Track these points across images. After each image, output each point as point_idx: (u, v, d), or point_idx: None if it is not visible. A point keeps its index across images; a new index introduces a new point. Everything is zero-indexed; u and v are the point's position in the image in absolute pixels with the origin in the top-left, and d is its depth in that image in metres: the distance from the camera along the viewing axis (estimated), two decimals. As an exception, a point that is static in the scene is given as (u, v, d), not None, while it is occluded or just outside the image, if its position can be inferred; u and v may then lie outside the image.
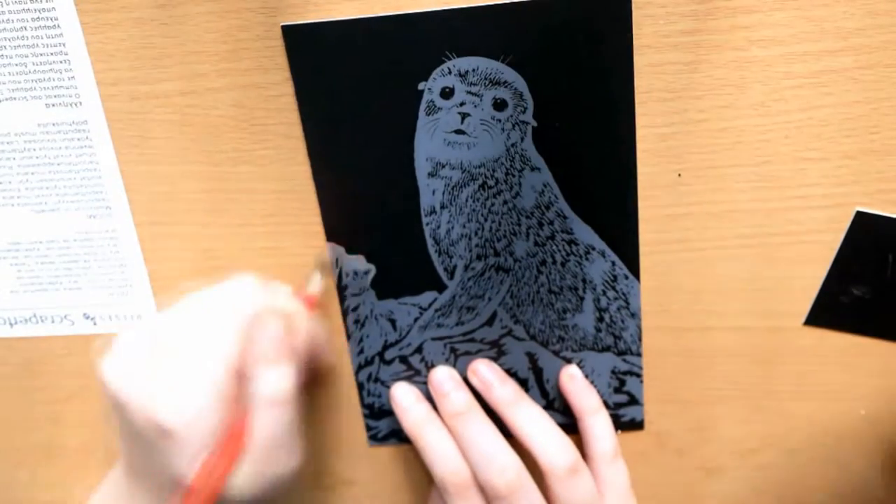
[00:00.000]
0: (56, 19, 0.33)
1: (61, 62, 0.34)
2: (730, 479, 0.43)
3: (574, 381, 0.39)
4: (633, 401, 0.40)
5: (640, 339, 0.39)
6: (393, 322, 0.39)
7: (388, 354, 0.40)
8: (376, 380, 0.41)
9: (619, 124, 0.34)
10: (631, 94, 0.33)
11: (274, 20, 0.33)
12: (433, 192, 0.36)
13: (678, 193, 0.36)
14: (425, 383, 0.40)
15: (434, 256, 0.38)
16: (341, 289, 0.39)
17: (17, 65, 0.35)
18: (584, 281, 0.38)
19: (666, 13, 0.32)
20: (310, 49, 0.34)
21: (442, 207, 0.37)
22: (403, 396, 0.39)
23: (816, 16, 0.32)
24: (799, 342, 0.39)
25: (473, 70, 0.34)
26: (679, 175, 0.35)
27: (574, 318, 0.38)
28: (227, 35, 0.34)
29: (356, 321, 0.39)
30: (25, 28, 0.34)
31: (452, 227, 0.37)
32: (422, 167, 0.36)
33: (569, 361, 0.39)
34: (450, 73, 0.34)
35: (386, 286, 0.38)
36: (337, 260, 0.38)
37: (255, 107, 0.35)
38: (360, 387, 0.41)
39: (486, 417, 0.37)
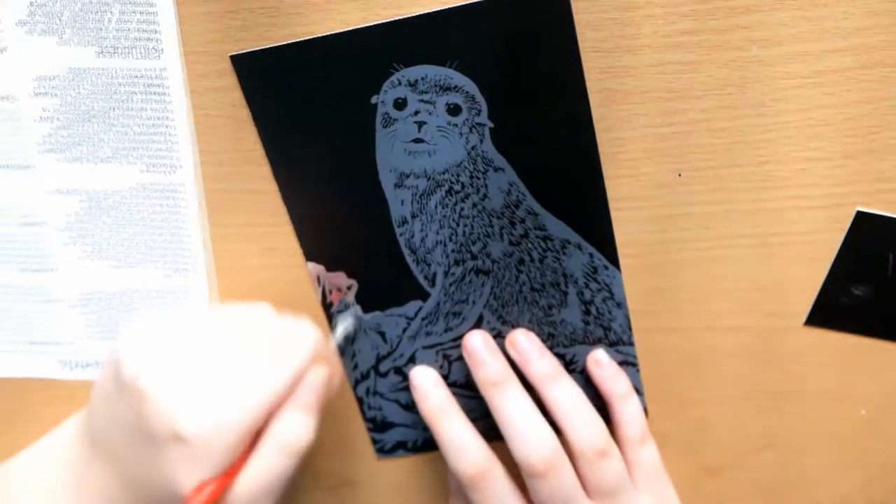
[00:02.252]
0: (166, 90, 0.35)
1: (165, 129, 0.36)
2: (730, 479, 0.43)
3: (601, 367, 0.39)
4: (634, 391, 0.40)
5: (630, 329, 0.39)
6: (382, 334, 0.39)
7: (383, 367, 0.40)
8: (375, 393, 0.41)
9: (573, 115, 0.34)
10: (581, 84, 0.33)
11: (273, 20, 0.33)
12: (402, 203, 0.36)
13: (678, 193, 0.36)
14: None
15: (413, 266, 0.38)
16: (326, 307, 0.39)
17: (120, 129, 0.36)
18: (564, 275, 0.38)
19: (666, 13, 0.32)
20: (262, 76, 0.34)
21: (413, 217, 0.37)
22: (423, 380, 0.38)
23: (816, 16, 0.32)
24: (799, 342, 0.39)
25: (423, 78, 0.34)
26: (679, 175, 0.35)
27: (560, 313, 0.38)
28: (227, 35, 0.34)
29: (346, 337, 0.39)
30: (134, 97, 0.35)
31: (426, 235, 0.37)
32: (387, 179, 0.36)
33: (561, 357, 0.39)
34: (400, 83, 0.34)
35: (370, 300, 0.39)
36: (319, 278, 0.38)
37: (254, 107, 0.35)
38: (360, 401, 0.41)
39: (523, 390, 0.36)
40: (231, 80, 0.35)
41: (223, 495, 0.31)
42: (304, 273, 0.38)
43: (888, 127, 0.34)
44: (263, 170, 0.36)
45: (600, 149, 0.35)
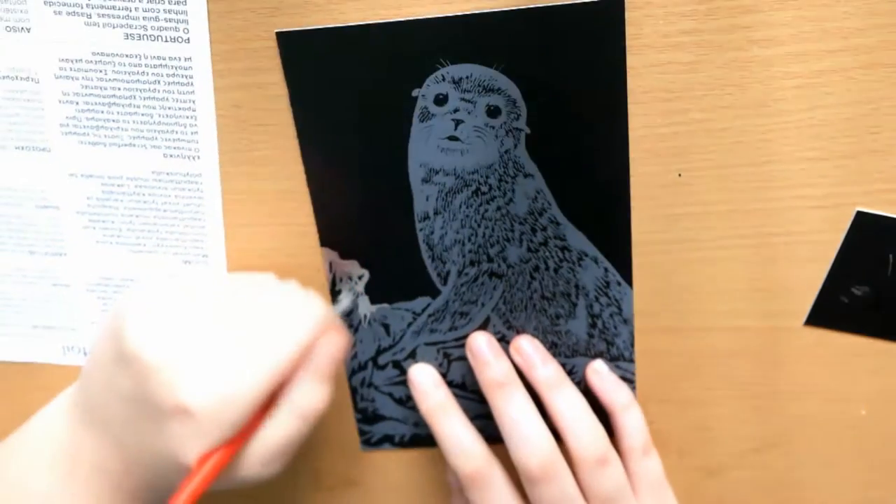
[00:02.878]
0: (191, 77, 0.34)
1: (188, 116, 0.35)
2: (730, 479, 0.43)
3: (601, 377, 0.39)
4: None
5: (632, 346, 0.39)
6: (386, 327, 0.39)
7: (382, 359, 0.40)
8: (370, 385, 0.41)
9: (611, 132, 0.34)
10: (624, 102, 0.33)
11: (273, 20, 0.33)
12: (427, 198, 0.36)
13: (678, 193, 0.36)
14: None
15: (427, 262, 0.38)
16: (335, 294, 0.39)
17: (143, 115, 0.35)
18: (576, 287, 0.38)
19: (666, 13, 0.32)
20: (304, 56, 0.34)
21: (435, 213, 0.37)
22: (422, 379, 0.38)
23: (816, 16, 0.32)
24: (799, 342, 0.39)
25: (467, 77, 0.34)
26: (679, 175, 0.35)
27: (567, 323, 0.38)
28: (226, 35, 0.34)
29: (350, 326, 0.39)
30: (159, 83, 0.35)
31: (446, 233, 0.37)
32: (415, 173, 0.36)
33: (562, 367, 0.39)
34: (443, 80, 0.34)
35: (379, 291, 0.38)
36: (331, 264, 0.38)
37: (255, 107, 0.35)
38: (354, 391, 0.41)
39: (526, 393, 0.36)
40: (230, 80, 0.35)
41: (229, 463, 0.31)
42: (309, 270, 0.38)
43: (888, 127, 0.34)
44: (262, 170, 0.36)
45: (600, 149, 0.35)
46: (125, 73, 0.35)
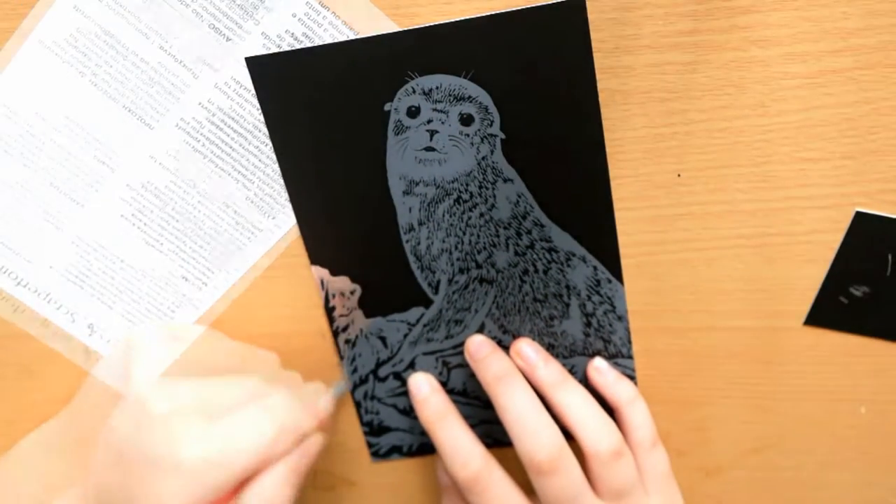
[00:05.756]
0: None
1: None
2: (730, 479, 0.43)
3: (602, 374, 0.39)
4: None
5: (629, 342, 0.39)
6: (383, 339, 0.39)
7: (382, 372, 0.40)
8: (373, 397, 0.41)
9: (585, 131, 0.34)
10: (596, 101, 0.33)
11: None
12: (410, 210, 0.36)
13: (678, 193, 0.36)
14: None
15: (417, 273, 0.38)
16: (329, 310, 0.39)
17: (260, 161, 0.36)
18: (567, 287, 0.38)
19: (665, 13, 0.32)
20: (275, 79, 0.34)
21: (420, 224, 0.37)
22: (420, 386, 0.38)
23: (816, 16, 0.32)
24: (799, 342, 0.39)
25: (437, 87, 0.34)
26: (679, 175, 0.35)
27: (562, 324, 0.38)
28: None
29: (347, 341, 0.39)
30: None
31: (432, 243, 0.37)
32: (396, 186, 0.36)
33: None
34: (414, 92, 0.34)
35: (373, 305, 0.39)
36: (322, 281, 0.38)
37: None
38: (358, 405, 0.41)
39: (528, 386, 0.36)
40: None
41: None
42: (309, 276, 0.38)
43: (888, 127, 0.34)
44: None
45: (600, 149, 0.35)
46: None
